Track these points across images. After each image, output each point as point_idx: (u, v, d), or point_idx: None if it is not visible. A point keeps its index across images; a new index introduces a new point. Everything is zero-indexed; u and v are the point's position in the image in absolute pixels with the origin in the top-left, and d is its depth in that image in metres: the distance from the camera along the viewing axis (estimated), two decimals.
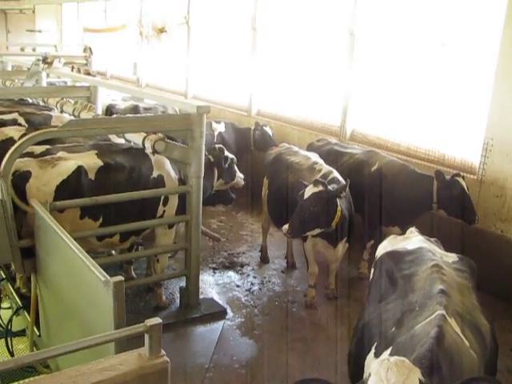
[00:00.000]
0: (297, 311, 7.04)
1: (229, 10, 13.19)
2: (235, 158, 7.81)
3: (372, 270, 4.46)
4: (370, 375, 2.37)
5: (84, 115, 7.16)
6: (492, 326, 3.71)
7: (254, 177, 9.00)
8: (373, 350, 3.28)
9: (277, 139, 10.62)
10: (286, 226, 6.26)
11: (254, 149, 10.82)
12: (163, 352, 3.25)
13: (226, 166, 7.51)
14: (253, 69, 12.06)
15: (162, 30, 16.07)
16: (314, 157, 7.67)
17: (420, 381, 2.31)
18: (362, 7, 9.47)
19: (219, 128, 10.67)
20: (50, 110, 8.15)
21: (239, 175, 7.89)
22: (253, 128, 10.84)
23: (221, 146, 7.77)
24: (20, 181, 5.36)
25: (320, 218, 6.31)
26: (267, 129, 10.79)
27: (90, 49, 16.57)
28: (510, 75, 7.22)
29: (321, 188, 6.27)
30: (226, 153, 7.58)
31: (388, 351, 3.02)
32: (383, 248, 4.41)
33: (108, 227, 5.89)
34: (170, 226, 6.53)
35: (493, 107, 7.44)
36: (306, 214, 6.23)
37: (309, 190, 6.31)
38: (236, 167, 7.83)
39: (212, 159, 7.35)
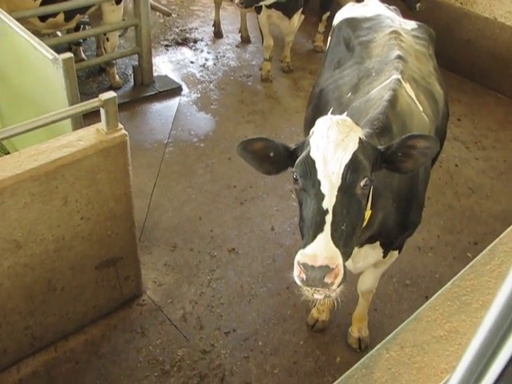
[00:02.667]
0: (252, 85, 7.04)
1: None
2: None
3: (329, 38, 4.38)
4: (312, 133, 2.42)
5: None
6: (445, 93, 3.78)
7: None
8: (329, 115, 3.32)
9: None
10: None
11: None
12: (121, 126, 3.26)
13: None
14: None
15: None
16: None
17: (360, 139, 2.35)
18: None
19: None
20: None
21: None
22: None
23: None
24: None
25: None
26: None
27: None
28: None
29: None
30: None
31: (343, 115, 3.06)
32: (341, 15, 4.28)
33: (50, 5, 5.51)
34: (118, 2, 6.14)
35: None
36: None
37: None
38: None
39: None
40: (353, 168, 2.27)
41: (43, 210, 3.18)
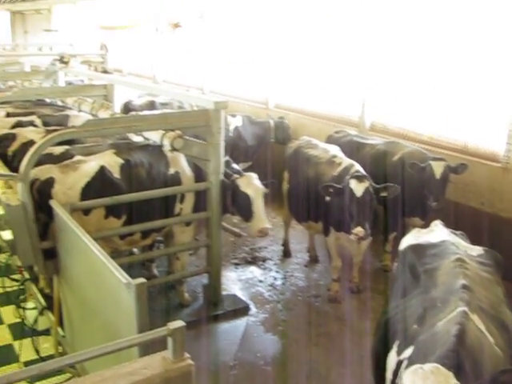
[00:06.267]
0: (321, 306, 7.01)
1: (243, 4, 13.12)
2: (253, 198, 6.32)
3: (396, 264, 4.43)
4: None
5: (101, 114, 7.19)
6: None
7: (275, 170, 8.95)
8: (395, 348, 3.25)
9: (295, 131, 10.59)
10: (359, 229, 6.15)
11: (274, 142, 10.81)
12: (187, 355, 3.25)
13: (240, 200, 6.40)
14: (270, 61, 12.00)
15: (177, 25, 16.04)
16: (334, 150, 7.56)
17: None
18: None
19: (235, 122, 10.59)
20: (68, 109, 8.23)
21: (258, 225, 6.34)
22: (272, 120, 10.84)
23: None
24: (45, 187, 5.42)
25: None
26: (286, 121, 10.79)
27: (105, 46, 16.70)
28: None
29: (367, 182, 6.31)
30: (244, 188, 6.36)
31: (409, 350, 2.99)
32: (407, 241, 4.35)
33: (129, 226, 5.95)
34: (188, 224, 6.53)
35: None
36: (370, 210, 6.28)
37: (358, 187, 6.27)
38: (259, 213, 6.36)
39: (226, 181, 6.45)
40: None
41: None
